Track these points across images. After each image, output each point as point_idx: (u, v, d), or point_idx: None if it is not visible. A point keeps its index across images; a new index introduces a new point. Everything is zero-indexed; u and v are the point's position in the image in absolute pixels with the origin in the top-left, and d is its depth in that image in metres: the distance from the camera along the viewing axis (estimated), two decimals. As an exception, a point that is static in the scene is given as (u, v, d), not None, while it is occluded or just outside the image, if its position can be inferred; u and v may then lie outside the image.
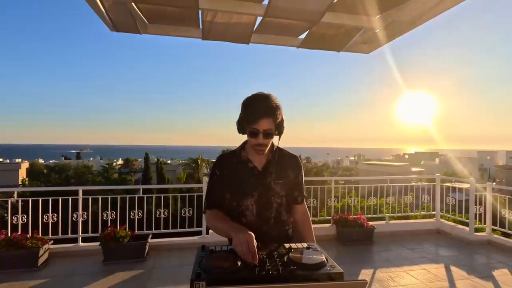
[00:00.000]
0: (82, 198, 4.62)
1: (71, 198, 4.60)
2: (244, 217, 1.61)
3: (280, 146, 1.68)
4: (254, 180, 1.60)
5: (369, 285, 3.53)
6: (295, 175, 1.70)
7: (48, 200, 4.54)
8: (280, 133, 1.59)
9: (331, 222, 5.30)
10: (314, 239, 1.69)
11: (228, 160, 1.66)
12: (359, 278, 2.88)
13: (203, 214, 1.80)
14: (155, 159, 39.62)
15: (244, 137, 1.61)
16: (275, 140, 1.63)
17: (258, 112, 1.48)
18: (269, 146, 1.59)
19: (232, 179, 1.62)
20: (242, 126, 1.57)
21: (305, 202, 1.79)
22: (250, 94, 1.56)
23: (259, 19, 3.15)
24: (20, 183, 31.25)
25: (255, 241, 1.25)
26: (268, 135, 1.51)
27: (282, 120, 1.56)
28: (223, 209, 1.65)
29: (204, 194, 4.93)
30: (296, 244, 1.39)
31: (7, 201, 4.41)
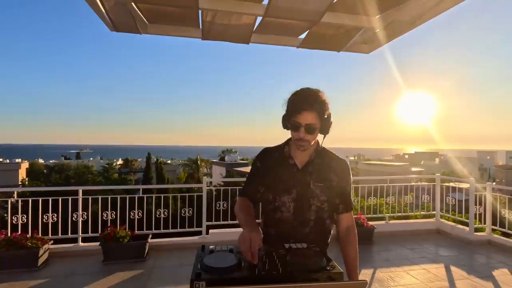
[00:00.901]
0: (82, 198, 4.62)
1: (71, 198, 4.60)
2: (280, 212, 1.57)
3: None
4: (293, 177, 1.56)
5: (369, 285, 3.53)
6: (338, 180, 1.57)
7: (48, 200, 4.54)
8: (325, 132, 1.52)
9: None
10: (355, 259, 1.53)
11: (271, 154, 1.65)
12: (359, 278, 2.88)
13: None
14: (155, 159, 39.62)
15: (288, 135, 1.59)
16: (320, 139, 1.59)
17: (301, 104, 1.44)
18: (312, 143, 1.52)
19: (271, 172, 1.60)
20: (285, 120, 1.54)
21: (351, 214, 1.62)
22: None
23: (259, 19, 3.14)
24: (20, 183, 31.25)
25: (259, 241, 1.24)
26: (310, 130, 1.45)
27: (328, 118, 1.49)
28: (256, 200, 1.64)
29: (204, 194, 4.95)
30: (296, 244, 1.39)
31: (7, 201, 4.40)
